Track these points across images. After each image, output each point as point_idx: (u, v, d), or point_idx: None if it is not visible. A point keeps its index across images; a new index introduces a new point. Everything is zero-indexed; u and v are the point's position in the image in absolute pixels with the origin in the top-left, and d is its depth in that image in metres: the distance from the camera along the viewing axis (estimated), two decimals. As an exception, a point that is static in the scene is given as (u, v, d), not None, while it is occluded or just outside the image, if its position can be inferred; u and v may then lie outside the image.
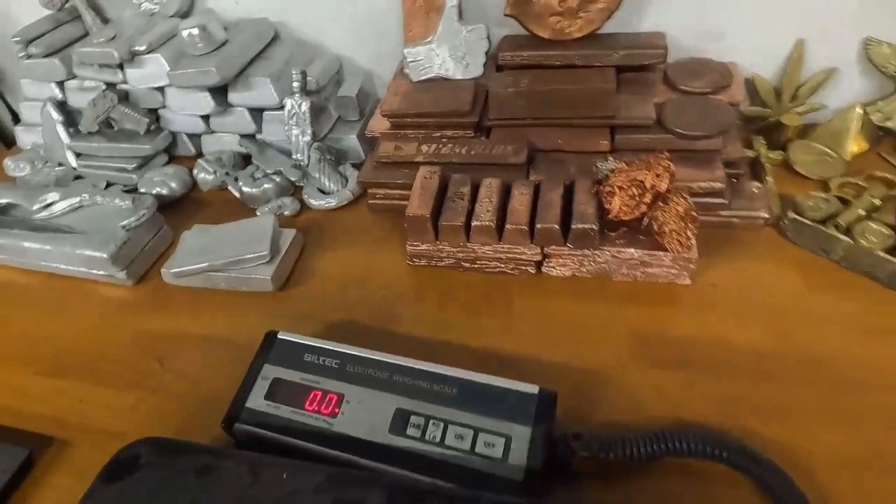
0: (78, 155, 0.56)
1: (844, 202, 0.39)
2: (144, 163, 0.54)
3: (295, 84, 0.48)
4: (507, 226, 0.37)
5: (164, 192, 0.51)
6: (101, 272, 0.43)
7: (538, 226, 0.37)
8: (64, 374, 0.38)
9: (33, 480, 0.32)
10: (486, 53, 0.47)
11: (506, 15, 0.46)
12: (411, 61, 0.48)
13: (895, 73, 0.43)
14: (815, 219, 0.37)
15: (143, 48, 0.49)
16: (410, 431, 0.29)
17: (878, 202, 0.37)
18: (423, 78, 0.48)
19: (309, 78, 0.49)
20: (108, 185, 0.55)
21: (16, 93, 0.72)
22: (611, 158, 0.37)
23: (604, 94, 0.41)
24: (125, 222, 0.42)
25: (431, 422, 0.29)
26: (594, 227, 0.35)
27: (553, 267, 0.39)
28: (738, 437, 0.28)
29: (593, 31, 0.45)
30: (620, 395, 0.32)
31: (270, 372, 0.33)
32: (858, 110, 0.43)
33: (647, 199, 0.35)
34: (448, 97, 0.45)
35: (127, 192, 0.53)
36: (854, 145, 0.44)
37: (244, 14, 0.54)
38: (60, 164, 0.57)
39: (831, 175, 0.42)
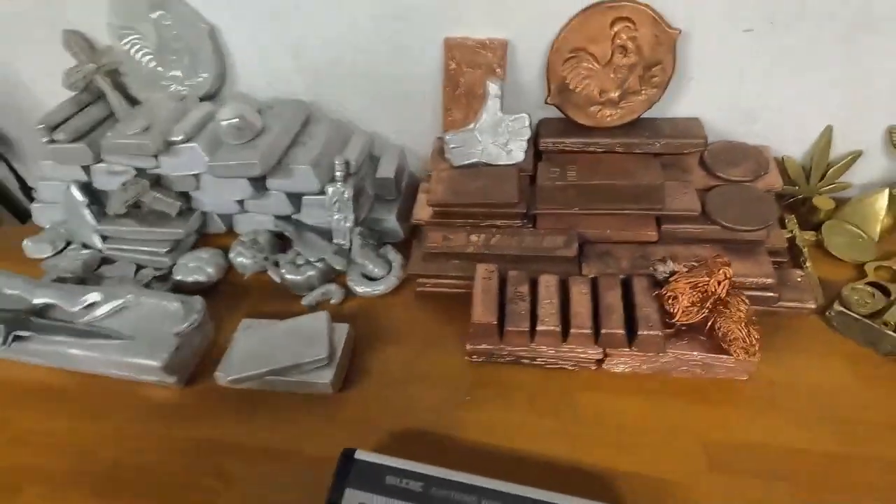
0: (104, 237, 0.55)
1: (884, 291, 0.41)
2: (176, 245, 0.54)
3: (338, 173, 0.48)
4: (572, 330, 0.38)
5: (202, 278, 0.51)
6: (152, 378, 0.42)
7: (603, 331, 0.37)
8: (122, 495, 0.37)
9: None
10: (528, 141, 0.47)
11: (547, 103, 0.47)
12: (453, 147, 0.48)
13: (919, 158, 0.46)
14: (861, 314, 0.39)
15: (179, 138, 0.48)
16: (508, 566, 0.29)
17: (919, 295, 0.39)
18: (465, 163, 0.48)
19: (350, 162, 0.49)
20: (139, 268, 0.53)
21: (23, 159, 0.70)
22: (670, 262, 0.38)
23: (652, 189, 0.43)
24: (178, 329, 0.41)
25: (528, 554, 0.30)
26: (661, 333, 0.36)
27: (614, 364, 0.40)
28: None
29: (633, 119, 0.46)
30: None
31: (354, 497, 0.33)
32: (886, 195, 0.46)
33: (709, 304, 0.36)
34: (495, 187, 0.46)
35: (160, 278, 0.52)
36: (881, 226, 0.46)
37: (276, 94, 0.54)
38: (85, 246, 0.56)
39: (865, 258, 0.44)
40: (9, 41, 0.55)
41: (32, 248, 0.57)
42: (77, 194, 0.54)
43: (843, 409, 0.36)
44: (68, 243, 0.57)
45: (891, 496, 0.32)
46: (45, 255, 0.56)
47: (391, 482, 0.33)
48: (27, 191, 0.71)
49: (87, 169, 0.54)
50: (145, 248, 0.53)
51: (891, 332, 0.37)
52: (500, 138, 0.47)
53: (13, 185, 0.72)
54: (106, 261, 0.55)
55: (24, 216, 0.76)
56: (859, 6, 0.40)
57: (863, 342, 0.39)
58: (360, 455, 0.34)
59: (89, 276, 0.53)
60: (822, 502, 0.32)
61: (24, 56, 0.57)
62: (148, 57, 0.51)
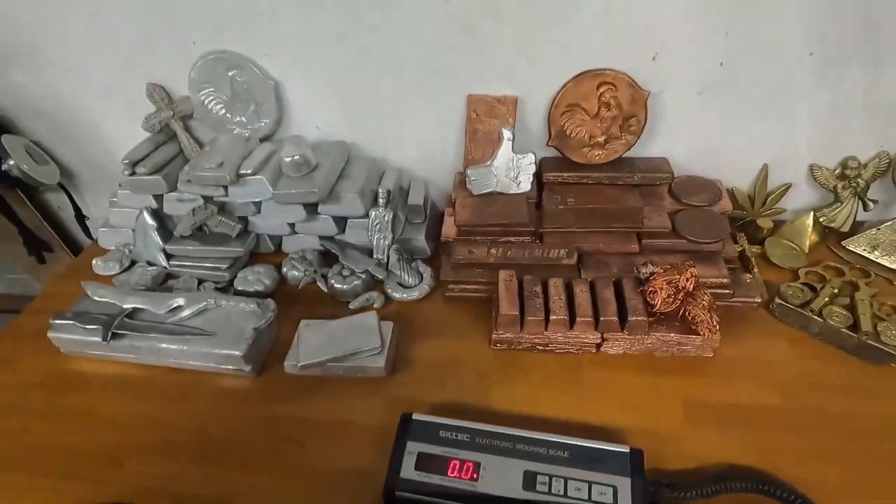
0: (169, 256, 0.64)
1: (812, 288, 0.53)
2: (234, 262, 0.63)
3: (381, 200, 0.58)
4: (578, 318, 0.48)
5: (260, 288, 0.60)
6: (231, 367, 0.50)
7: (601, 318, 0.48)
8: (212, 462, 0.45)
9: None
10: (534, 175, 0.59)
11: (549, 145, 0.59)
12: (474, 179, 0.59)
13: (833, 189, 0.59)
14: (795, 304, 0.51)
15: (248, 171, 0.58)
16: (539, 488, 0.39)
17: (835, 290, 0.51)
18: (483, 192, 0.60)
19: (390, 191, 0.60)
20: (200, 282, 0.62)
21: (80, 191, 0.78)
22: (650, 265, 0.50)
23: (633, 211, 0.55)
24: (258, 324, 0.50)
25: (554, 479, 0.39)
26: (646, 319, 0.47)
27: (610, 347, 0.50)
28: (776, 476, 0.39)
29: (616, 158, 0.59)
30: (680, 448, 0.42)
31: (414, 447, 0.41)
32: (811, 217, 0.59)
33: (681, 296, 0.47)
34: (508, 210, 0.57)
35: (219, 290, 0.61)
36: (809, 241, 0.59)
37: (323, 136, 0.65)
38: (150, 264, 0.64)
39: (798, 265, 0.57)
40: (90, 89, 0.65)
41: (102, 266, 0.65)
42: (148, 219, 0.63)
43: (784, 375, 0.47)
44: (133, 262, 0.66)
45: (816, 434, 0.43)
46: (114, 273, 0.64)
47: (444, 435, 0.42)
48: (81, 219, 0.79)
49: (158, 197, 0.63)
50: (207, 265, 0.62)
51: (816, 318, 0.49)
52: (512, 172, 0.59)
53: (67, 215, 0.81)
54: (169, 276, 0.64)
55: (71, 244, 0.84)
56: (779, 80, 0.54)
57: (797, 326, 0.51)
58: (417, 416, 0.43)
59: (157, 288, 0.61)
60: (768, 440, 0.42)
61: (100, 101, 0.67)
62: (219, 106, 0.62)
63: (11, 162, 0.65)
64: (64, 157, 0.73)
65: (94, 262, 0.65)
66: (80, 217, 0.78)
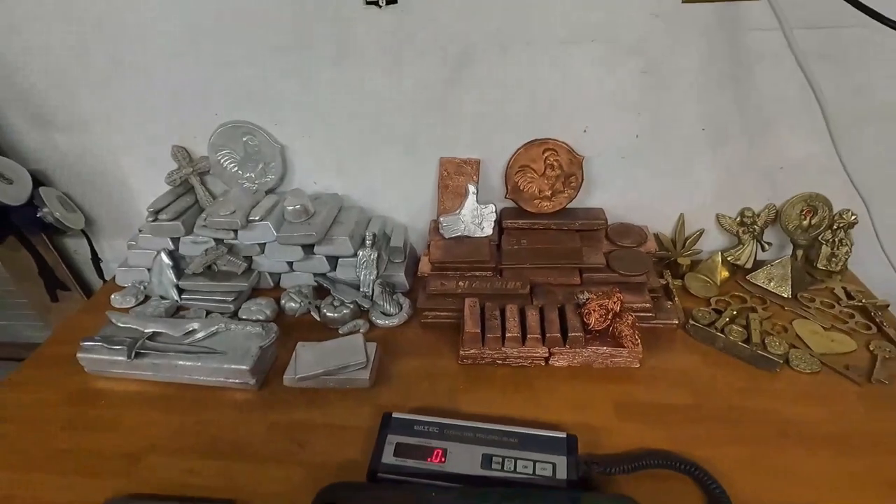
0: (181, 291, 0.73)
1: (718, 312, 0.65)
2: (239, 296, 0.72)
3: (368, 242, 0.70)
4: (528, 335, 0.59)
5: (262, 317, 0.69)
6: (238, 380, 0.59)
7: (547, 335, 0.59)
8: (222, 458, 0.53)
9: (231, 531, 0.46)
10: (495, 222, 0.72)
11: (506, 198, 0.72)
12: (445, 225, 0.72)
13: (736, 234, 0.73)
14: (704, 324, 0.63)
15: (257, 218, 0.69)
16: (494, 466, 0.48)
17: (735, 313, 0.64)
18: (453, 236, 0.72)
19: (375, 234, 0.71)
20: (207, 313, 0.71)
21: (97, 236, 0.88)
22: (585, 292, 0.61)
23: (575, 251, 0.67)
24: (263, 343, 0.60)
25: (506, 459, 0.48)
26: (582, 335, 0.58)
27: (556, 360, 0.61)
28: (683, 455, 0.49)
29: (561, 208, 0.72)
30: (611, 438, 0.52)
31: (393, 439, 0.51)
32: (720, 256, 0.72)
33: (610, 316, 0.59)
34: (474, 250, 0.69)
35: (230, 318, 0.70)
36: (720, 276, 0.72)
37: (320, 190, 0.77)
38: (163, 298, 0.74)
39: (710, 295, 0.69)
40: (120, 148, 0.77)
41: (119, 300, 0.74)
42: (165, 258, 0.73)
43: (695, 380, 0.58)
44: (146, 297, 0.75)
45: (718, 424, 0.53)
46: (130, 306, 0.73)
47: (418, 428, 0.51)
48: (96, 261, 0.88)
49: (175, 240, 0.73)
50: (215, 298, 0.72)
51: (719, 334, 0.61)
52: (477, 220, 0.72)
53: (82, 258, 0.90)
54: (180, 308, 0.73)
55: (83, 284, 0.93)
56: (682, 148, 0.69)
57: (706, 342, 0.62)
58: (396, 415, 0.53)
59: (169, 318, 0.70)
60: (680, 430, 0.52)
61: (126, 157, 0.78)
62: (233, 164, 0.74)
63: (46, 209, 0.76)
64: (88, 206, 0.83)
65: (112, 296, 0.74)
66: (96, 259, 0.87)
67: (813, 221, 0.72)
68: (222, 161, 0.74)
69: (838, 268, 0.72)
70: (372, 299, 0.70)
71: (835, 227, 0.71)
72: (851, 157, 0.60)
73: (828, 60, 0.59)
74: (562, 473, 0.47)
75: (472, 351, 0.61)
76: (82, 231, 0.83)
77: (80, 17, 0.65)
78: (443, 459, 0.49)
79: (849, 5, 0.51)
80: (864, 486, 0.47)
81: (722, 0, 0.58)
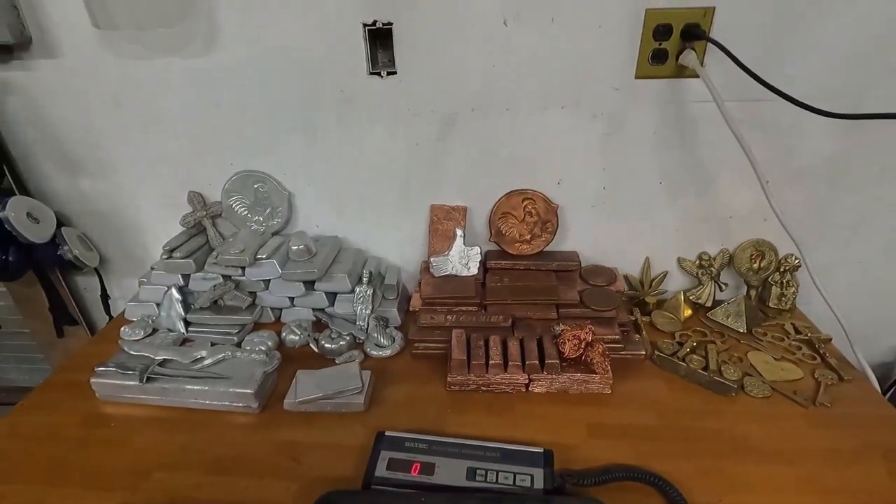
0: (188, 324, 0.78)
1: (681, 344, 0.72)
2: (242, 329, 0.78)
3: (364, 279, 0.77)
4: (510, 363, 0.65)
5: (264, 348, 0.74)
6: (241, 404, 0.64)
7: (527, 362, 0.65)
8: (226, 475, 0.57)
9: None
10: (480, 262, 0.80)
11: (490, 241, 0.81)
12: (435, 265, 0.79)
13: (696, 275, 0.82)
14: (667, 354, 0.70)
15: (264, 256, 0.76)
16: (478, 478, 0.53)
17: (695, 344, 0.71)
18: (442, 275, 0.79)
19: (371, 272, 0.78)
20: (212, 344, 0.76)
21: (107, 274, 0.94)
22: (560, 325, 0.68)
23: (551, 288, 0.75)
24: (267, 369, 0.65)
25: (489, 471, 0.53)
26: (557, 362, 0.65)
27: (535, 387, 0.66)
28: (648, 468, 0.55)
29: (539, 251, 0.80)
30: (584, 453, 0.57)
31: (386, 455, 0.55)
32: (682, 295, 0.80)
33: (582, 346, 0.66)
34: (461, 288, 0.76)
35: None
36: (684, 313, 0.80)
37: (321, 232, 0.85)
38: (170, 330, 0.79)
39: (675, 330, 0.77)
40: (139, 193, 0.84)
41: (129, 332, 0.79)
42: (175, 294, 0.79)
43: (661, 404, 0.64)
44: (154, 330, 0.80)
45: (679, 442, 0.59)
46: (138, 338, 0.78)
47: (408, 445, 0.56)
48: (105, 298, 0.93)
49: (186, 277, 0.80)
50: (220, 331, 0.77)
51: (681, 363, 0.68)
52: (463, 260, 0.79)
53: (91, 296, 0.95)
54: (186, 341, 0.78)
55: (88, 321, 0.97)
56: (644, 199, 0.78)
57: (670, 370, 0.69)
58: (388, 433, 0.58)
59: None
60: (646, 447, 0.58)
61: (144, 202, 0.86)
62: (244, 209, 0.82)
63: (66, 247, 0.82)
64: (104, 245, 0.90)
65: (122, 329, 0.79)
66: (105, 296, 0.92)
67: (762, 265, 0.81)
68: (234, 205, 0.82)
69: (787, 306, 0.80)
70: (367, 332, 0.76)
71: (781, 269, 0.80)
72: (785, 209, 0.69)
73: (757, 128, 0.70)
74: (539, 484, 0.52)
75: (458, 377, 0.66)
76: (95, 269, 0.89)
77: (110, 74, 0.75)
78: (431, 473, 0.53)
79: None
80: (807, 492, 0.52)
81: (668, 77, 0.69)
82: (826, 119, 0.60)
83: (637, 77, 0.69)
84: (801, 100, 0.60)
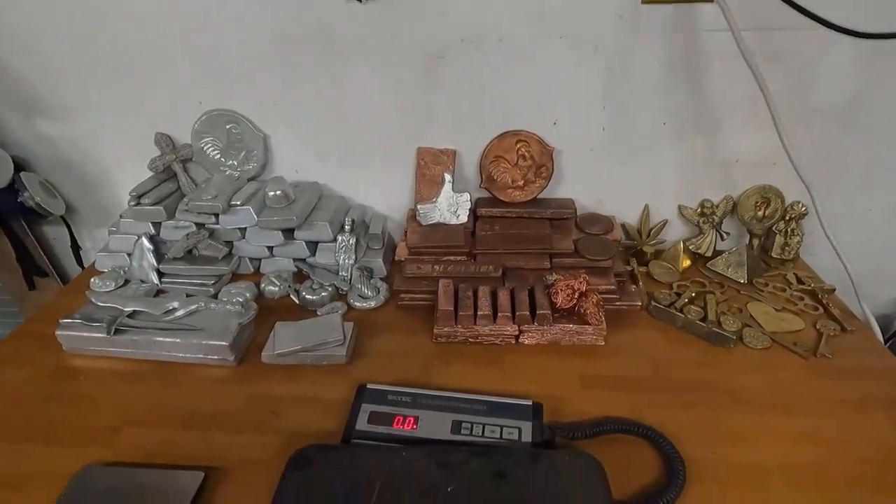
0: (161, 275, 0.74)
1: (678, 294, 0.69)
2: (219, 280, 0.74)
3: (347, 227, 0.72)
4: (499, 313, 0.62)
5: (242, 300, 0.71)
6: (216, 357, 0.61)
7: (517, 313, 0.62)
8: (200, 428, 0.54)
9: (210, 495, 0.48)
10: (469, 210, 0.75)
11: (481, 187, 0.76)
12: (422, 212, 0.75)
13: (697, 224, 0.78)
14: (664, 305, 0.66)
15: (238, 203, 0.71)
16: (464, 431, 0.50)
17: (693, 295, 0.68)
18: (429, 223, 0.75)
19: (354, 220, 0.74)
20: (188, 296, 0.72)
21: (77, 224, 0.89)
22: (554, 274, 0.65)
23: (545, 237, 0.70)
24: (242, 320, 0.61)
25: (475, 424, 0.51)
26: (549, 312, 0.62)
27: (526, 338, 0.63)
28: (641, 421, 0.53)
29: (533, 198, 0.76)
30: (575, 405, 0.55)
31: (367, 408, 0.53)
32: (682, 244, 0.76)
33: (576, 296, 0.62)
34: (449, 236, 0.72)
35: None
36: (683, 263, 0.76)
37: (301, 178, 0.79)
38: (143, 282, 0.75)
39: (673, 280, 0.73)
40: (105, 137, 0.78)
41: (99, 283, 0.74)
42: (146, 243, 0.74)
43: (657, 356, 0.62)
44: (126, 281, 0.76)
45: (674, 393, 0.56)
46: (110, 290, 0.74)
47: (391, 398, 0.54)
48: (75, 249, 0.88)
49: (156, 225, 0.75)
50: (195, 282, 0.73)
51: (678, 314, 0.65)
52: (452, 208, 0.75)
53: (60, 246, 0.90)
54: (160, 292, 0.74)
55: (60, 272, 0.93)
56: (645, 142, 0.73)
57: (666, 321, 0.66)
58: (370, 385, 0.55)
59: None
60: (640, 399, 0.56)
61: (112, 147, 0.80)
62: (216, 152, 0.76)
63: (27, 194, 0.76)
64: (69, 193, 0.84)
65: (91, 280, 0.75)
66: (75, 246, 0.88)
67: (767, 212, 0.76)
68: (205, 148, 0.76)
69: (791, 256, 0.77)
70: (350, 283, 0.72)
71: (787, 217, 0.76)
72: (798, 152, 0.64)
73: (775, 60, 0.64)
74: (527, 437, 0.50)
75: (445, 329, 0.63)
76: (62, 218, 0.84)
77: (69, 11, 0.67)
78: (414, 426, 0.51)
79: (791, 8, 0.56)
80: (805, 443, 0.51)
81: (678, 2, 0.62)
82: (849, 50, 0.55)
83: (644, 1, 0.62)
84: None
